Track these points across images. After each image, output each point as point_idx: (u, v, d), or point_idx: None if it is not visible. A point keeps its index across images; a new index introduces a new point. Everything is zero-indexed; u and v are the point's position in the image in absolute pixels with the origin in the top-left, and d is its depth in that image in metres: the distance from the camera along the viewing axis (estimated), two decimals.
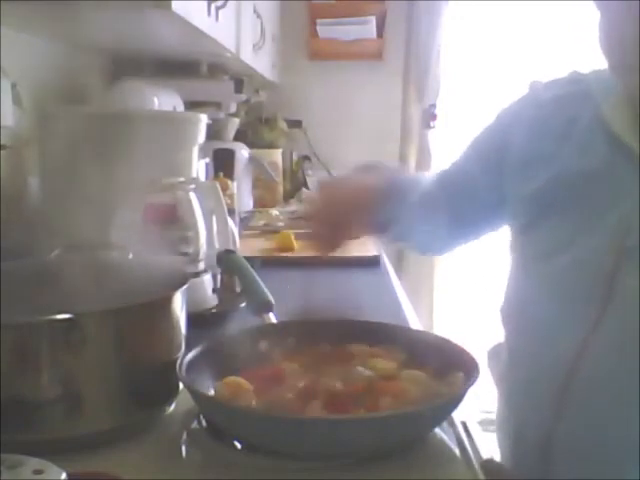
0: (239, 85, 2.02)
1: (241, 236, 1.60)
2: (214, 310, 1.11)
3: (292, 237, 1.70)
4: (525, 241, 0.87)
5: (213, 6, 1.29)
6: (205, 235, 1.10)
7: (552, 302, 0.81)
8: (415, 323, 1.18)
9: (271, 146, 2.65)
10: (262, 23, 2.04)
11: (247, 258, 1.03)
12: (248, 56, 1.87)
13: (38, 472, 0.50)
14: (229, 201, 1.50)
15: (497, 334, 0.92)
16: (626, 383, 0.74)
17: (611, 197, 0.77)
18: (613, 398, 0.75)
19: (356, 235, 0.95)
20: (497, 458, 0.88)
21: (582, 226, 0.79)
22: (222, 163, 1.83)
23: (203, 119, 1.19)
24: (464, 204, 0.95)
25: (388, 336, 0.80)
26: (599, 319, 0.75)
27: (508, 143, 0.88)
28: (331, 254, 0.92)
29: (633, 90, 0.75)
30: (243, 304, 1.06)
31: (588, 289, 0.77)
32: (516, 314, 0.88)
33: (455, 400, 0.67)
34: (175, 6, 1.01)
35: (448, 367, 0.72)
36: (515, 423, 0.87)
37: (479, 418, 0.92)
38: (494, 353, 0.94)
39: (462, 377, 0.70)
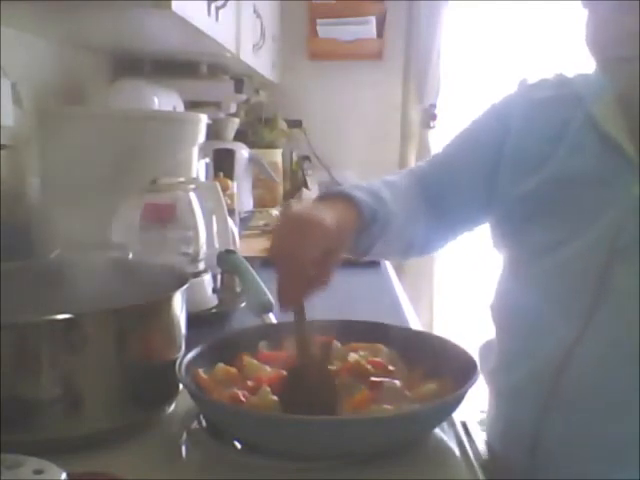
0: (239, 85, 2.02)
1: (241, 236, 1.60)
2: (214, 310, 1.11)
3: None
4: (516, 241, 0.87)
5: (213, 6, 1.29)
6: (205, 235, 1.10)
7: (543, 301, 0.81)
8: (415, 323, 1.18)
9: (271, 146, 2.65)
10: (262, 23, 2.04)
11: (247, 258, 1.03)
12: (248, 56, 1.87)
13: (38, 472, 0.50)
14: (229, 201, 1.50)
15: (489, 331, 0.92)
16: (615, 382, 0.74)
17: (603, 197, 0.77)
18: (601, 397, 0.75)
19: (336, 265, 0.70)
20: (486, 455, 0.88)
21: (574, 227, 0.79)
22: (222, 163, 1.83)
23: (203, 119, 1.19)
24: (446, 203, 0.90)
25: (385, 336, 0.79)
26: (589, 319, 0.75)
27: (505, 140, 0.87)
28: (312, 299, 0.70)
29: (625, 86, 0.75)
30: (243, 304, 1.06)
31: (579, 289, 0.77)
32: (506, 312, 0.88)
33: (455, 400, 0.67)
34: (175, 6, 1.01)
35: (446, 368, 0.72)
36: (504, 421, 0.87)
37: (479, 418, 0.92)
38: (485, 350, 0.94)
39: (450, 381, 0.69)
